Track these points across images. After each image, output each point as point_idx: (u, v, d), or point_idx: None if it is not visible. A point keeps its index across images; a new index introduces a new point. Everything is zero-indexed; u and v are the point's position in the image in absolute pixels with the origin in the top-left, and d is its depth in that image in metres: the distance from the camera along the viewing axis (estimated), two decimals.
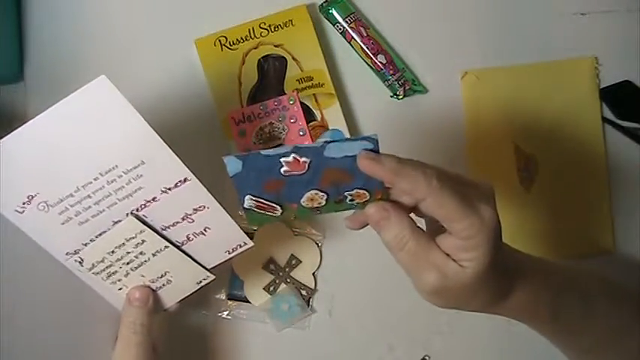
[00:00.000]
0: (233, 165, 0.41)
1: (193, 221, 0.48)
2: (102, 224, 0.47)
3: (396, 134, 0.67)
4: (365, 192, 0.43)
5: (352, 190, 0.43)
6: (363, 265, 0.66)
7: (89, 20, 0.67)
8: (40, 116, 0.43)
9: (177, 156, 0.45)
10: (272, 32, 0.65)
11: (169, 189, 0.46)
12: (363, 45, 0.65)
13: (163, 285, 0.51)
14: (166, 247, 0.49)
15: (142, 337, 0.50)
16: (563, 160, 0.68)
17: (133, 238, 0.48)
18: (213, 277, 0.51)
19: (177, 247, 0.49)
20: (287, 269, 0.65)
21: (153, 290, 0.52)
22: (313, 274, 0.65)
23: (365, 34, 0.65)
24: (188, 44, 0.65)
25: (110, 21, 0.67)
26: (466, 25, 0.69)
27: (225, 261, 0.51)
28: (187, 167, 0.46)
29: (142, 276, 0.50)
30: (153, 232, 0.48)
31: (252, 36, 0.64)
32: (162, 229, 0.48)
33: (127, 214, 0.47)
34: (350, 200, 0.44)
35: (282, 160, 0.41)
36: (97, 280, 0.50)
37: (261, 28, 0.64)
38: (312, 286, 0.65)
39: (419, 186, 0.40)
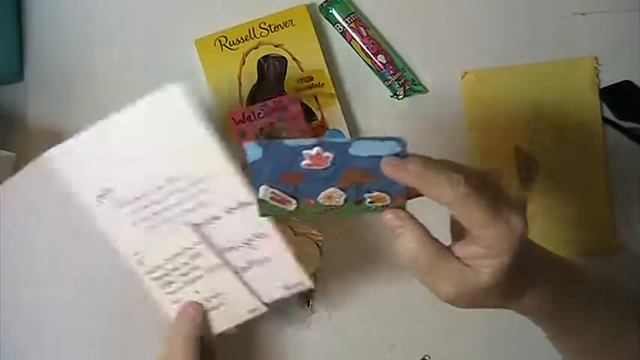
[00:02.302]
0: (253, 151, 0.40)
1: (254, 249, 0.47)
2: (164, 231, 0.47)
3: (396, 134, 0.66)
4: (385, 195, 0.42)
5: (372, 192, 0.42)
6: (363, 265, 0.66)
7: (89, 20, 0.67)
8: (115, 116, 0.44)
9: (243, 178, 0.44)
10: (272, 32, 0.65)
11: (233, 209, 0.46)
12: (363, 45, 0.65)
13: (216, 306, 0.51)
14: (221, 266, 0.48)
15: (188, 349, 0.50)
16: (563, 160, 0.68)
17: (190, 249, 0.48)
18: (265, 309, 0.51)
19: (234, 271, 0.49)
20: None
21: (206, 310, 0.51)
22: (313, 274, 0.65)
23: (365, 34, 0.65)
24: (188, 44, 0.65)
25: (110, 21, 0.67)
26: (466, 25, 0.69)
27: (280, 298, 0.50)
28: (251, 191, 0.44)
29: (197, 292, 0.50)
30: (209, 248, 0.48)
31: (252, 36, 0.64)
32: (222, 251, 0.48)
33: (188, 226, 0.47)
34: (369, 202, 0.43)
35: (304, 152, 0.40)
36: (154, 287, 0.50)
37: (261, 28, 0.64)
38: (312, 286, 0.65)
39: (444, 193, 0.39)
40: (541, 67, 0.68)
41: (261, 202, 0.44)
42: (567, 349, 0.54)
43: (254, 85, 0.64)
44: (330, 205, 0.44)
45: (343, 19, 0.65)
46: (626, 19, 0.69)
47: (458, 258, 0.42)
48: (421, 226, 0.43)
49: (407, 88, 0.66)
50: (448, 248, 0.42)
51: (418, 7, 0.69)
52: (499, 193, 0.41)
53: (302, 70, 0.65)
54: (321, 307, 0.66)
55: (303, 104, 0.64)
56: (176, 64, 0.66)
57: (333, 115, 0.64)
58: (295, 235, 0.65)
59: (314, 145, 0.40)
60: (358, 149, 0.40)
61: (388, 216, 0.43)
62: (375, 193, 0.42)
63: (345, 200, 0.43)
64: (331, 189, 0.42)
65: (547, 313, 0.48)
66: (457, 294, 0.42)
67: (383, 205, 0.43)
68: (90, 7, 0.67)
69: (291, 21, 0.65)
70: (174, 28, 0.66)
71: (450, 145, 0.68)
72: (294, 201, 0.43)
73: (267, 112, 0.63)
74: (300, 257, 0.65)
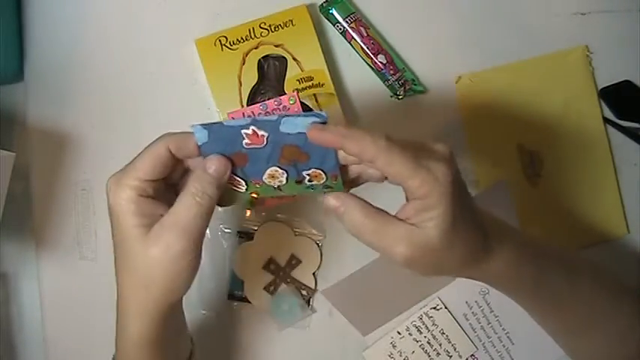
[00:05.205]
0: (200, 134, 0.43)
1: None
2: None
3: (396, 134, 0.66)
4: (321, 172, 0.44)
5: (309, 169, 0.44)
6: (362, 265, 0.66)
7: (89, 20, 0.67)
8: None
9: None
10: (272, 32, 0.65)
11: None
12: (363, 45, 0.65)
13: None
14: None
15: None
16: (566, 152, 0.68)
17: None
18: None
19: None
20: (287, 269, 0.65)
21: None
22: (313, 274, 0.65)
23: (365, 34, 0.65)
24: (188, 44, 0.65)
25: (110, 21, 0.67)
26: (466, 25, 0.69)
27: None
28: None
29: None
30: None
31: (253, 36, 0.64)
32: None
33: None
34: (309, 181, 0.45)
35: (242, 131, 0.43)
36: None
37: (261, 28, 0.64)
38: (312, 286, 0.65)
39: (366, 146, 0.41)
40: (533, 62, 0.68)
41: None
42: (554, 327, 0.54)
43: (254, 85, 0.64)
44: (275, 185, 0.46)
45: (343, 19, 0.65)
46: (625, 19, 0.69)
47: (403, 220, 0.43)
48: (361, 199, 0.44)
49: (407, 88, 0.66)
50: (393, 215, 0.44)
51: (418, 8, 0.68)
52: (420, 148, 0.43)
53: (302, 70, 0.65)
54: (321, 307, 0.66)
55: (303, 104, 0.63)
56: (176, 64, 0.66)
57: (333, 115, 0.64)
58: (295, 235, 0.65)
59: (249, 124, 0.42)
60: (286, 126, 0.42)
61: (328, 199, 0.44)
62: (312, 170, 0.44)
63: (287, 179, 0.45)
64: (273, 168, 0.44)
65: (524, 283, 0.48)
66: (411, 254, 0.42)
67: (321, 184, 0.45)
68: (90, 7, 0.67)
69: (291, 21, 0.65)
70: (175, 28, 0.66)
71: (450, 145, 0.68)
72: (243, 182, 0.46)
73: (267, 112, 0.63)
74: (300, 257, 0.66)
